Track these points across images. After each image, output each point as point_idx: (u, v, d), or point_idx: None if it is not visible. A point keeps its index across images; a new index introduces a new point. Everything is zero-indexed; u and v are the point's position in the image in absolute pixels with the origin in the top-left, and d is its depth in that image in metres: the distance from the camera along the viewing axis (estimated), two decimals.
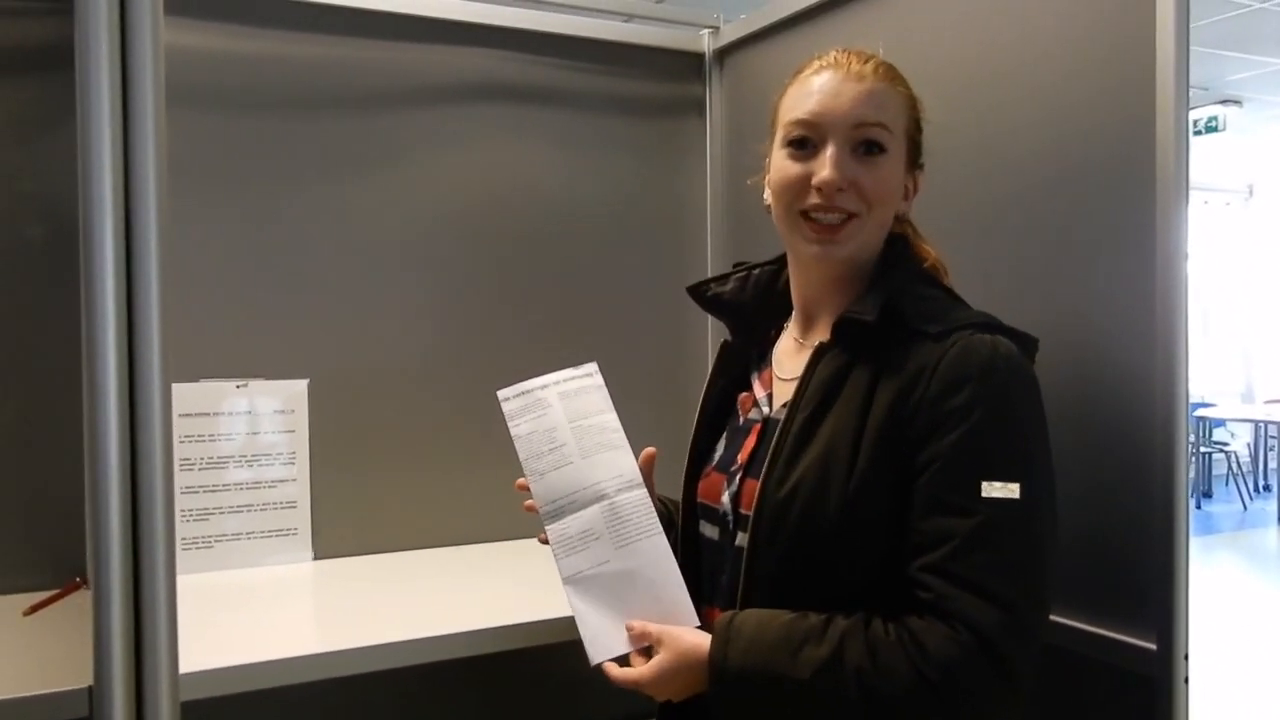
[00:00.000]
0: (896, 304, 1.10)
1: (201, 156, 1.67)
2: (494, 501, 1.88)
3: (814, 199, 1.12)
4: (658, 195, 2.02)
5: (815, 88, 1.14)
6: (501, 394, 1.27)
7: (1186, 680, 1.18)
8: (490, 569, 1.72)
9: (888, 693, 0.98)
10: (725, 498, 1.20)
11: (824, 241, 1.13)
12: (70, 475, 1.51)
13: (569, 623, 1.39)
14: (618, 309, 1.99)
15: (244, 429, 1.72)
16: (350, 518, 1.78)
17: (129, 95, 0.77)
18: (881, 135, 1.12)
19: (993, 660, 0.97)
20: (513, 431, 1.24)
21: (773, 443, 1.12)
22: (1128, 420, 1.25)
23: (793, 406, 1.12)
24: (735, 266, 1.33)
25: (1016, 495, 0.99)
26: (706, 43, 2.03)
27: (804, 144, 1.13)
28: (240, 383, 1.71)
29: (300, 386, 1.75)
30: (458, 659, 1.34)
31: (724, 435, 1.27)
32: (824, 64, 1.16)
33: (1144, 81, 1.20)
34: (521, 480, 1.25)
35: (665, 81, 2.02)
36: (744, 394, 1.28)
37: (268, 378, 1.73)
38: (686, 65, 2.04)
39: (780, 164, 1.16)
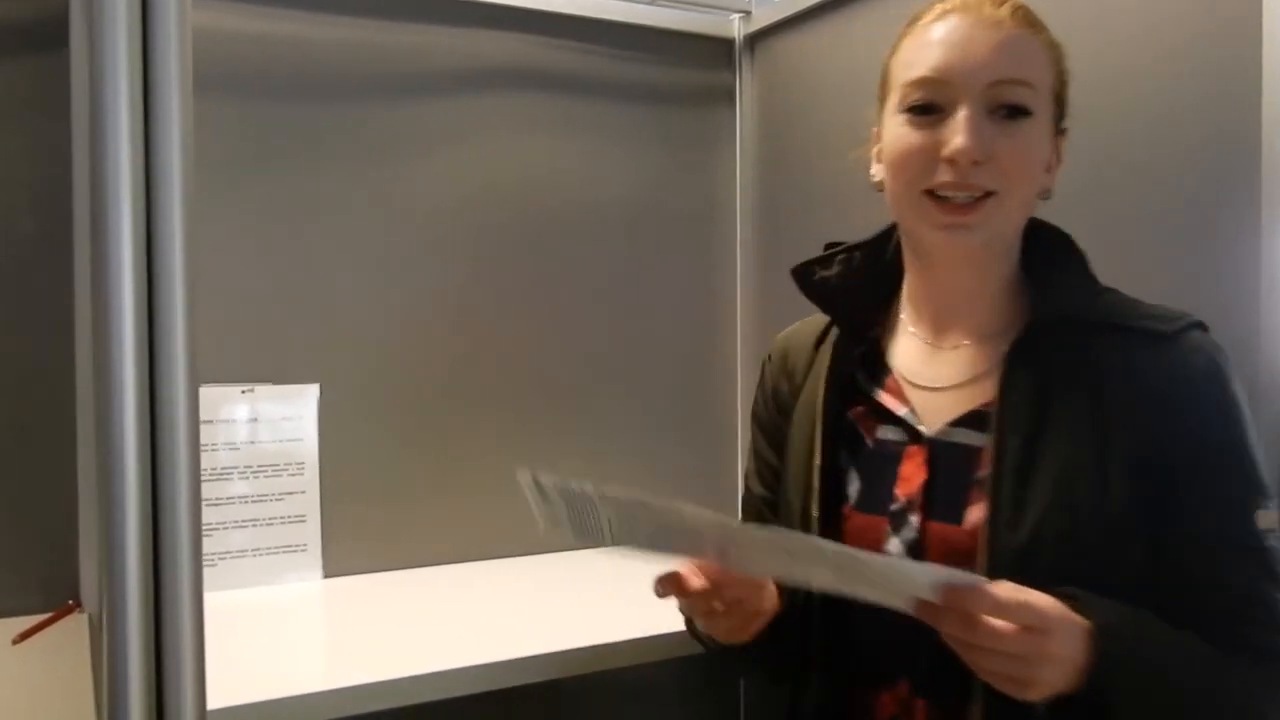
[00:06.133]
0: (1099, 298, 0.97)
1: (204, 146, 1.54)
2: (518, 513, 1.77)
3: (943, 175, 0.93)
4: (684, 188, 1.91)
5: (939, 38, 0.94)
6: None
7: None
8: (515, 587, 1.61)
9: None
10: (895, 547, 0.97)
11: (954, 226, 0.93)
12: (61, 490, 1.40)
13: (608, 650, 1.29)
14: (642, 309, 1.88)
15: (249, 437, 1.60)
16: (363, 533, 1.66)
17: (150, 80, 0.66)
18: (1025, 95, 0.93)
19: None
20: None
21: (990, 474, 0.91)
22: None
23: (1003, 428, 0.92)
24: (829, 247, 1.12)
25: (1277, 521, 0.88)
26: (737, 28, 1.93)
27: (928, 109, 0.94)
28: (246, 388, 1.59)
29: (310, 392, 1.63)
30: (483, 693, 1.23)
31: (847, 463, 1.03)
32: (948, 8, 0.96)
33: (1250, 54, 1.10)
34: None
35: (693, 68, 1.91)
36: (856, 408, 1.05)
37: (275, 382, 1.61)
38: (716, 51, 1.93)
39: (897, 133, 0.96)
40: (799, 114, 1.82)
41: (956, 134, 0.91)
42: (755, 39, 1.92)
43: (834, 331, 1.10)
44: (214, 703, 0.92)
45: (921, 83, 0.94)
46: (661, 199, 1.89)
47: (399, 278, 1.69)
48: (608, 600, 1.51)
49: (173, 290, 0.65)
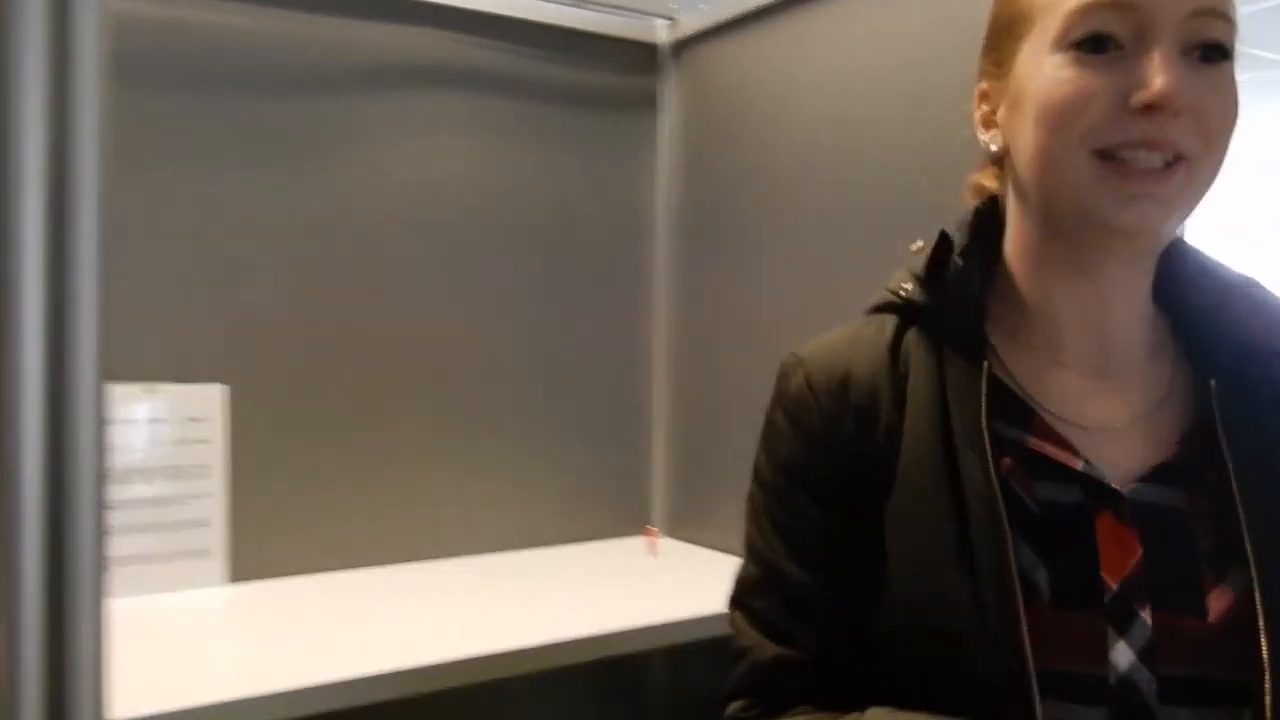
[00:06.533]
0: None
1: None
2: (438, 514, 1.74)
3: (1132, 129, 0.70)
4: (606, 193, 1.89)
5: None
6: None
7: None
8: (426, 592, 1.57)
9: None
10: (1123, 656, 0.71)
11: (1141, 196, 0.71)
12: None
13: (530, 655, 1.27)
14: (562, 313, 1.86)
15: (151, 439, 1.53)
16: (272, 537, 1.60)
17: (64, 66, 0.62)
18: (1227, 32, 0.72)
19: None
20: None
21: (1251, 544, 0.71)
22: None
23: (1245, 482, 0.73)
24: (942, 241, 0.85)
25: None
26: (661, 34, 1.93)
27: (1101, 43, 0.72)
28: (147, 386, 1.53)
29: (215, 391, 1.57)
30: (400, 699, 1.20)
31: (1006, 535, 0.74)
32: None
33: None
34: None
35: (617, 73, 1.90)
36: (1001, 459, 0.78)
37: (179, 381, 1.55)
38: (639, 57, 1.92)
39: (1059, 76, 0.72)
40: (723, 122, 1.82)
41: (1155, 75, 0.69)
42: (681, 46, 1.91)
43: (912, 351, 0.83)
44: (115, 713, 0.88)
45: (1096, 9, 0.71)
46: (582, 203, 1.87)
47: (311, 275, 1.63)
48: (525, 604, 1.49)
49: (84, 286, 0.61)
